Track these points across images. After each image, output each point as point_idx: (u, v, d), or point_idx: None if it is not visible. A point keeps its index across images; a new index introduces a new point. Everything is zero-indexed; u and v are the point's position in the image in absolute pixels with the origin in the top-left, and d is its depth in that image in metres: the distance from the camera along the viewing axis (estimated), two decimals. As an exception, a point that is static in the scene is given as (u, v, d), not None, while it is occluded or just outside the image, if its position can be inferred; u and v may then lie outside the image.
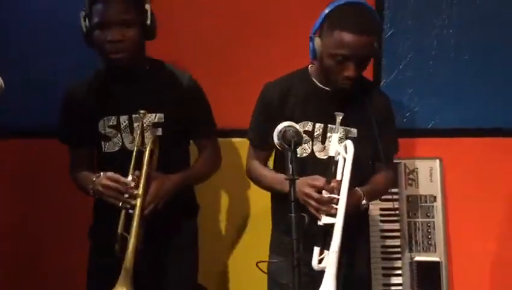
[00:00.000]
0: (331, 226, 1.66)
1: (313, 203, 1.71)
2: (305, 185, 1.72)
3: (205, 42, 2.34)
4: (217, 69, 2.34)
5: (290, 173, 1.51)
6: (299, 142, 1.56)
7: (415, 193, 2.36)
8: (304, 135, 1.79)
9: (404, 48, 2.38)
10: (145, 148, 1.76)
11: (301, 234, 1.48)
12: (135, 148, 1.77)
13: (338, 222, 1.65)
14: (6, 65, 2.25)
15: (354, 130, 1.86)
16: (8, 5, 2.32)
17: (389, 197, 2.30)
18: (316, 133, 1.86)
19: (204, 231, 2.16)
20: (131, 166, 1.74)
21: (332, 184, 1.69)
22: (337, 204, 1.67)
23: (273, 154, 1.96)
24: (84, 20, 1.75)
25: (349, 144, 1.72)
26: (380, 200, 2.27)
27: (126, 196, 1.70)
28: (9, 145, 2.38)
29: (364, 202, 1.79)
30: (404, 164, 2.37)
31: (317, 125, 1.86)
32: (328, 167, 1.75)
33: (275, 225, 1.98)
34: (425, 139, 2.42)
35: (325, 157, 1.84)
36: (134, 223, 1.68)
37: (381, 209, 2.33)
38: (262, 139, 1.87)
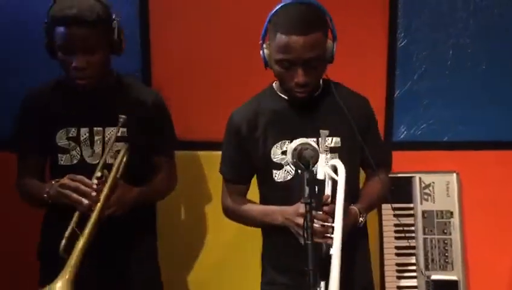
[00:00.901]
0: (327, 255, 1.52)
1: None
2: (298, 214, 1.56)
3: (197, 57, 2.29)
4: (208, 83, 2.30)
5: (307, 195, 1.34)
6: (316, 161, 1.43)
7: (431, 208, 2.29)
8: (283, 156, 1.68)
9: (418, 57, 2.31)
10: (119, 153, 1.75)
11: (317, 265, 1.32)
12: (103, 157, 1.74)
13: (335, 253, 1.48)
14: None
15: (337, 139, 1.70)
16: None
17: (404, 212, 2.26)
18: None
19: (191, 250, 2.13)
20: (98, 169, 1.71)
21: (325, 210, 1.54)
22: (332, 233, 1.51)
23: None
24: (47, 34, 1.70)
25: (339, 164, 1.56)
26: (394, 216, 2.21)
27: (85, 201, 1.64)
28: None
29: (361, 219, 1.65)
30: (420, 178, 2.30)
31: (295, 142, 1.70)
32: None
33: (267, 261, 1.81)
34: (441, 152, 2.35)
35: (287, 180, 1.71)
36: (90, 224, 1.63)
37: (396, 225, 2.26)
38: (237, 172, 1.76)
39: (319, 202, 1.54)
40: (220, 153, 2.21)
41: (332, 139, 1.70)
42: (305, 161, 1.39)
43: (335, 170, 1.57)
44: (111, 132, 1.79)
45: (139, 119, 1.82)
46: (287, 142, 1.68)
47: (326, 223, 1.52)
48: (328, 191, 1.57)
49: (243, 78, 2.28)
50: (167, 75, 2.28)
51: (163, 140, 1.92)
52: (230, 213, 1.83)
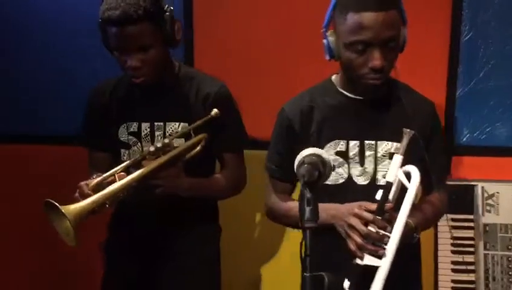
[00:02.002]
0: (371, 267, 1.40)
1: (357, 238, 1.42)
2: (351, 214, 1.45)
3: (240, 50, 2.22)
4: (251, 78, 2.23)
5: (306, 218, 1.18)
6: (319, 177, 1.26)
7: (494, 221, 2.11)
8: (336, 157, 1.57)
9: (485, 53, 2.13)
10: (198, 137, 1.70)
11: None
12: (187, 128, 1.71)
13: (384, 266, 1.37)
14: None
15: (398, 145, 1.51)
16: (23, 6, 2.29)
17: (463, 225, 2.10)
18: (351, 154, 1.57)
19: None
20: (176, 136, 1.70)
21: (386, 218, 1.41)
22: (387, 243, 1.39)
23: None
24: (101, 33, 1.66)
25: (415, 171, 1.41)
26: (451, 228, 2.07)
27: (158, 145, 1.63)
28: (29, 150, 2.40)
29: (416, 235, 1.51)
30: (482, 187, 2.12)
31: (352, 143, 1.57)
32: (369, 195, 1.46)
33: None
34: (508, 159, 2.19)
35: (366, 182, 1.57)
36: (136, 173, 1.59)
37: (453, 238, 2.10)
38: (285, 170, 1.60)
39: (381, 208, 1.42)
40: (263, 151, 2.20)
41: (392, 144, 1.55)
42: (299, 175, 1.24)
43: (408, 175, 1.42)
44: (172, 126, 1.75)
45: (203, 112, 1.74)
46: (341, 143, 1.57)
47: (382, 231, 1.40)
48: (392, 196, 1.43)
49: (288, 74, 2.20)
50: (209, 69, 2.19)
51: (227, 135, 1.80)
52: (272, 212, 1.72)
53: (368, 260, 1.40)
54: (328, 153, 1.55)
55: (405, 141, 1.43)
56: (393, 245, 1.38)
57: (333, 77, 1.64)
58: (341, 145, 1.57)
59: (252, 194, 2.21)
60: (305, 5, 2.16)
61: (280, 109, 1.65)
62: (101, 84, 1.84)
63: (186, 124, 1.73)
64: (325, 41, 1.51)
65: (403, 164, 1.44)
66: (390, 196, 1.43)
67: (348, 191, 1.55)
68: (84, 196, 1.54)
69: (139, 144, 1.76)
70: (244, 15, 2.19)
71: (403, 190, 1.43)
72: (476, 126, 2.19)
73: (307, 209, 1.18)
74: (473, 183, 2.12)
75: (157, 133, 1.75)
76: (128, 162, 1.65)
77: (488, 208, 2.10)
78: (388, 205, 1.42)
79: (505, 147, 2.18)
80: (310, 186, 1.20)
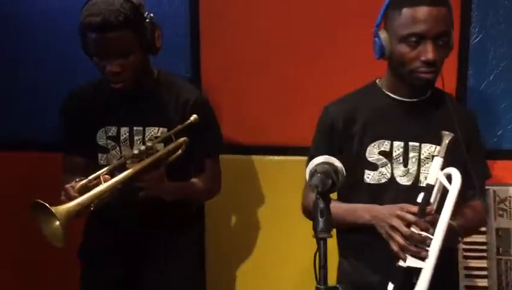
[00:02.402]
0: (414, 269, 1.41)
1: (400, 239, 1.45)
2: (394, 215, 1.47)
3: (247, 57, 2.20)
4: (258, 84, 2.21)
5: (320, 229, 1.16)
6: (333, 186, 1.24)
7: (507, 225, 2.06)
8: (380, 156, 1.60)
9: (495, 55, 2.10)
10: (179, 141, 1.71)
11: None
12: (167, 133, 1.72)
13: (427, 268, 1.39)
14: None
15: (439, 149, 1.56)
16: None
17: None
18: (395, 154, 1.60)
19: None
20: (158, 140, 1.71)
21: (428, 219, 1.43)
22: (429, 245, 1.40)
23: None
24: (81, 38, 1.67)
25: (456, 173, 1.43)
26: None
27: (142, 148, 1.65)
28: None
29: (459, 239, 1.55)
30: (494, 191, 2.07)
31: (396, 144, 1.60)
32: (411, 196, 1.49)
33: (342, 253, 1.75)
34: None
35: (409, 183, 1.59)
36: (120, 176, 1.60)
37: (465, 243, 2.04)
38: None
39: (423, 210, 1.45)
40: (271, 157, 2.21)
41: (435, 147, 1.57)
42: (312, 186, 1.21)
43: (449, 178, 1.45)
44: (151, 131, 1.76)
45: (181, 118, 1.77)
46: (385, 142, 1.61)
47: (425, 233, 1.42)
48: (434, 198, 1.47)
49: (297, 81, 2.19)
50: (217, 77, 2.22)
51: (207, 141, 1.84)
52: (309, 211, 1.71)
53: (411, 261, 1.42)
54: (371, 152, 1.59)
55: (444, 142, 1.47)
56: (436, 247, 1.39)
57: (377, 80, 1.67)
58: (385, 145, 1.60)
59: (251, 197, 2.21)
60: (313, 14, 2.14)
61: (323, 109, 1.69)
62: (77, 88, 1.85)
63: (165, 129, 1.75)
64: (376, 39, 1.56)
65: (445, 167, 1.47)
66: (432, 199, 1.45)
67: (390, 191, 1.58)
68: (71, 198, 1.54)
69: (117, 148, 1.77)
70: (251, 23, 2.18)
71: (444, 193, 1.45)
72: (487, 129, 2.11)
73: (321, 220, 1.17)
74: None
75: (136, 137, 1.76)
76: (113, 164, 1.66)
77: (500, 212, 2.06)
78: (429, 208, 1.44)
79: (516, 150, 2.14)
80: (323, 196, 1.18)
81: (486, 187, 2.05)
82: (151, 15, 1.68)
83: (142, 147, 1.63)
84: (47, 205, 1.47)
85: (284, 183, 2.20)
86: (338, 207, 1.62)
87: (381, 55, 1.57)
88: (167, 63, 1.85)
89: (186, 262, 1.89)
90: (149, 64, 1.77)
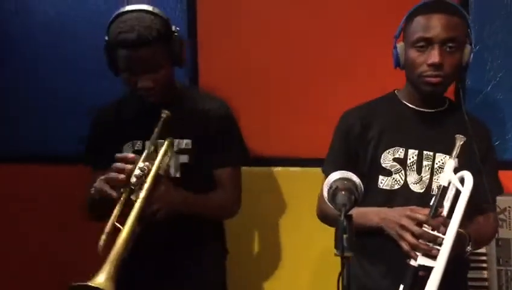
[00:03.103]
0: (425, 269, 1.43)
1: (410, 238, 1.47)
2: (403, 215, 1.50)
3: (245, 68, 2.21)
4: (256, 95, 2.22)
5: (341, 248, 1.14)
6: (355, 203, 1.24)
7: (507, 236, 2.06)
8: (394, 163, 1.63)
9: (492, 66, 2.11)
10: (160, 147, 1.66)
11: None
12: (149, 145, 1.65)
13: (438, 266, 1.40)
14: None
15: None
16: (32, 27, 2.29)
17: None
18: (409, 161, 1.63)
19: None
20: (141, 160, 1.60)
21: (438, 220, 1.46)
22: (440, 244, 1.42)
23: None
24: (107, 53, 1.67)
25: (468, 176, 1.45)
26: None
27: (122, 176, 1.55)
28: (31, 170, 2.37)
29: (469, 248, 1.54)
30: (494, 202, 2.06)
31: (410, 151, 1.64)
32: (423, 203, 1.52)
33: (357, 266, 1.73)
34: None
35: (422, 190, 1.62)
36: (131, 217, 1.51)
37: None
38: None
39: (434, 211, 1.48)
40: (272, 169, 2.21)
41: (449, 158, 1.56)
42: (337, 208, 1.20)
43: (462, 181, 1.47)
44: (176, 143, 1.75)
45: (204, 131, 1.77)
46: (400, 150, 1.64)
47: (436, 233, 1.44)
48: (446, 202, 1.49)
49: (296, 90, 2.19)
50: (214, 88, 2.18)
51: (224, 152, 1.81)
52: (323, 214, 1.75)
53: (422, 260, 1.43)
54: (385, 158, 1.63)
55: (458, 144, 1.49)
56: (447, 246, 1.40)
57: (396, 91, 1.73)
58: (400, 153, 1.63)
59: (260, 213, 2.21)
60: (310, 25, 2.15)
61: (341, 115, 1.74)
62: (105, 105, 1.86)
63: (190, 141, 1.74)
64: (394, 50, 1.63)
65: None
66: (444, 202, 1.46)
67: (403, 197, 1.60)
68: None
69: None
70: (251, 32, 2.19)
71: (455, 199, 1.46)
72: (485, 140, 2.15)
73: (344, 237, 1.15)
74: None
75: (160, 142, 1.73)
76: (119, 205, 1.56)
77: (500, 222, 2.05)
78: (440, 209, 1.46)
79: (515, 160, 2.13)
80: (346, 214, 1.17)
81: (486, 198, 2.09)
82: (178, 28, 1.70)
83: (137, 172, 1.57)
84: (89, 283, 1.38)
85: (292, 195, 2.21)
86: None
87: (397, 64, 1.63)
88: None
89: (209, 284, 1.84)
90: (174, 77, 1.78)
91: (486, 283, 2.03)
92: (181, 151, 1.75)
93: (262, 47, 2.19)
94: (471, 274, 2.01)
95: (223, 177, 1.81)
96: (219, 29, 2.19)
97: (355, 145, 1.67)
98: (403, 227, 1.50)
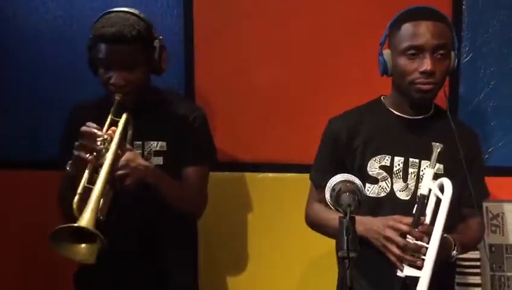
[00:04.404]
0: (412, 279, 1.43)
1: (395, 250, 1.47)
2: (387, 226, 1.50)
3: (241, 74, 2.21)
4: (252, 101, 2.22)
5: (345, 248, 1.15)
6: (359, 205, 1.25)
7: (500, 241, 2.09)
8: (380, 170, 1.62)
9: (485, 74, 2.13)
10: (121, 116, 1.66)
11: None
12: (109, 118, 1.65)
13: (424, 276, 1.40)
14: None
15: (440, 166, 1.60)
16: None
17: None
18: (395, 169, 1.63)
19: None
20: (104, 129, 1.62)
21: (421, 229, 1.46)
22: (425, 254, 1.43)
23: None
24: (89, 50, 1.71)
25: (447, 183, 1.45)
26: None
27: (98, 144, 1.58)
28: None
29: (454, 253, 1.54)
30: (487, 208, 2.10)
31: (396, 159, 1.63)
32: (409, 210, 1.51)
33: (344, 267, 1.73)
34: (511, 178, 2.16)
35: (408, 198, 1.62)
36: (102, 174, 1.54)
37: (459, 259, 2.02)
38: (328, 179, 1.64)
39: (417, 220, 1.48)
40: (265, 175, 2.21)
41: (435, 165, 1.57)
42: (342, 208, 1.22)
43: (441, 188, 1.46)
44: (151, 145, 1.77)
45: (179, 134, 1.79)
46: (387, 157, 1.63)
47: (420, 242, 1.45)
48: (428, 210, 1.49)
49: (291, 97, 2.19)
50: (211, 93, 2.22)
51: (193, 151, 1.83)
52: (312, 221, 1.76)
53: (408, 271, 1.44)
54: (372, 166, 1.63)
55: (434, 153, 1.50)
56: (432, 255, 1.41)
57: (382, 97, 1.72)
58: (386, 160, 1.63)
59: (252, 220, 2.19)
60: (306, 30, 2.16)
61: (328, 122, 1.73)
62: (81, 103, 1.87)
63: (164, 143, 1.77)
64: (380, 57, 1.62)
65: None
66: (427, 210, 1.47)
67: (389, 204, 1.60)
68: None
69: None
70: (246, 39, 2.19)
71: (437, 206, 1.47)
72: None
73: (347, 238, 1.16)
74: (476, 204, 2.11)
75: (136, 151, 1.73)
76: (89, 169, 1.58)
77: (493, 228, 2.09)
78: (422, 218, 1.47)
79: (508, 167, 2.15)
80: (350, 215, 1.18)
81: (479, 204, 2.11)
82: (161, 37, 1.72)
83: (103, 137, 1.59)
84: (75, 224, 1.42)
85: (279, 200, 2.20)
86: (333, 219, 1.61)
87: (384, 71, 1.62)
88: (161, 80, 1.84)
89: (181, 283, 1.86)
90: (150, 82, 1.80)
91: (479, 289, 2.04)
92: (155, 154, 1.77)
93: (258, 51, 2.19)
94: (464, 280, 2.05)
95: (188, 175, 1.81)
96: (215, 32, 2.19)
97: (343, 152, 1.67)
98: (387, 239, 1.50)
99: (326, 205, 1.67)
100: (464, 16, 2.10)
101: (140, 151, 1.77)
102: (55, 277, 2.21)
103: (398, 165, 1.63)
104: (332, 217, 1.63)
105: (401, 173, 1.62)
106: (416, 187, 1.61)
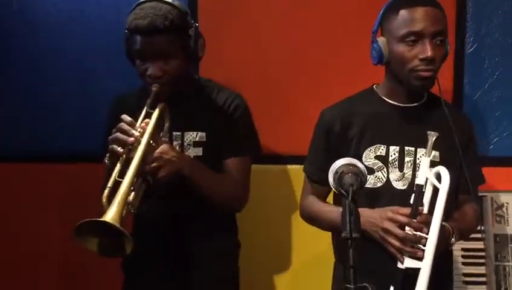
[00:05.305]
0: (413, 270, 1.42)
1: (395, 242, 1.46)
2: (385, 218, 1.49)
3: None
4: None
5: (348, 229, 1.16)
6: (361, 187, 1.27)
7: (505, 231, 2.08)
8: (376, 161, 1.60)
9: (490, 64, 2.13)
10: (159, 108, 1.64)
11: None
12: (144, 109, 1.63)
13: (425, 267, 1.40)
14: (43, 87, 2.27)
15: (436, 153, 1.59)
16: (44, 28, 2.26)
17: (473, 235, 1.96)
18: (391, 158, 1.61)
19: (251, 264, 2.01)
20: (139, 122, 1.61)
21: (420, 219, 1.44)
22: (425, 245, 1.42)
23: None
24: (126, 42, 1.69)
25: (444, 171, 1.44)
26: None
27: (131, 139, 1.55)
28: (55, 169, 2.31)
29: (453, 240, 1.53)
30: (491, 198, 2.09)
31: (392, 148, 1.61)
32: (406, 200, 1.50)
33: (339, 258, 1.74)
34: None
35: (404, 187, 1.59)
36: (132, 168, 1.50)
37: (464, 249, 2.06)
38: (323, 172, 1.59)
39: (415, 211, 1.46)
40: (272, 166, 2.21)
41: (431, 153, 1.56)
42: (344, 188, 1.22)
43: (438, 177, 1.45)
44: (190, 136, 1.76)
45: (219, 124, 1.77)
46: (382, 147, 1.61)
47: (419, 233, 1.43)
48: (426, 199, 1.47)
49: (296, 88, 2.19)
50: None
51: (234, 142, 1.79)
52: (305, 214, 1.75)
53: (409, 263, 1.43)
54: (367, 156, 1.62)
55: (430, 142, 1.49)
56: (432, 246, 1.40)
57: (374, 86, 1.69)
58: (381, 150, 1.61)
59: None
60: (311, 23, 2.15)
61: (320, 113, 1.70)
62: (122, 96, 1.86)
63: (204, 134, 1.75)
64: (374, 45, 1.58)
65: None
66: (424, 199, 1.46)
67: (386, 195, 1.58)
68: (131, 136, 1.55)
69: None
70: (249, 34, 2.19)
71: (434, 194, 1.46)
72: (482, 137, 2.15)
73: (351, 219, 1.16)
74: (481, 194, 2.07)
75: (175, 142, 1.74)
76: (119, 165, 1.55)
77: (497, 218, 2.08)
78: (420, 208, 1.46)
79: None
80: (353, 196, 1.19)
81: (484, 194, 2.08)
82: (196, 24, 1.70)
83: (136, 132, 1.57)
84: (99, 219, 1.39)
85: (280, 191, 2.20)
86: (330, 211, 1.65)
87: (379, 59, 1.58)
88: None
89: (219, 277, 1.82)
90: (189, 72, 1.78)
91: (484, 279, 2.04)
92: (195, 144, 1.75)
93: (263, 45, 2.19)
94: (470, 270, 2.05)
95: (231, 167, 1.78)
96: (219, 27, 2.18)
97: (337, 143, 1.64)
98: (385, 231, 1.48)
99: (321, 197, 1.70)
100: (468, 6, 2.10)
101: (180, 142, 1.75)
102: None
103: (394, 154, 1.60)
104: (328, 209, 1.67)
105: (396, 163, 1.60)
106: (413, 176, 1.58)
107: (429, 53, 1.49)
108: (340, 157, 1.56)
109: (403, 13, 1.52)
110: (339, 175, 1.27)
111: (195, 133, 1.75)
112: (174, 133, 1.74)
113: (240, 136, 1.79)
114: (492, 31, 2.11)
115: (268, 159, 2.14)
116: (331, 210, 1.65)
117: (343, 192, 1.22)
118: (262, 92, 2.18)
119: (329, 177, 1.31)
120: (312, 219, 1.74)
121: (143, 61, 1.65)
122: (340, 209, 1.56)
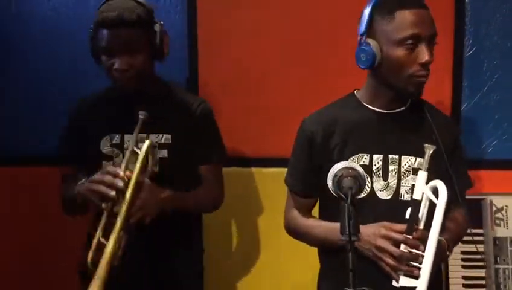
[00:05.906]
0: (409, 289, 1.37)
1: (390, 261, 1.40)
2: (378, 235, 1.42)
3: (244, 69, 2.21)
4: (255, 96, 2.22)
5: (347, 232, 1.14)
6: (360, 190, 1.24)
7: (504, 234, 2.07)
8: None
9: (489, 67, 2.13)
10: (140, 149, 1.65)
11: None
12: (130, 148, 1.65)
13: (421, 285, 1.34)
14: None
15: (421, 160, 1.49)
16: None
17: (472, 238, 1.97)
18: (374, 167, 1.53)
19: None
20: (123, 167, 1.61)
21: (416, 236, 1.38)
22: (421, 263, 1.36)
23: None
24: (91, 41, 1.71)
25: (441, 186, 1.37)
26: (461, 242, 1.96)
27: (112, 193, 1.56)
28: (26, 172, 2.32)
29: (448, 253, 1.48)
30: (491, 201, 2.09)
31: (375, 157, 1.53)
32: (391, 210, 1.47)
33: (324, 283, 1.68)
34: None
35: (389, 197, 1.52)
36: (116, 228, 1.52)
37: (463, 252, 2.06)
38: (306, 184, 1.60)
39: (410, 226, 1.39)
40: (270, 169, 2.21)
41: (415, 159, 1.52)
42: (343, 191, 1.21)
43: (435, 191, 1.39)
44: (155, 138, 1.75)
45: (185, 127, 1.78)
46: (365, 156, 1.53)
47: (415, 251, 1.38)
48: (421, 214, 1.41)
49: (294, 91, 2.19)
50: (214, 85, 2.21)
51: (207, 149, 1.83)
52: (291, 229, 1.68)
53: (404, 281, 1.38)
54: None
55: (427, 156, 1.42)
56: (429, 263, 1.35)
57: (355, 92, 1.62)
58: (364, 159, 1.53)
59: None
60: (309, 26, 2.16)
61: (301, 122, 1.62)
62: (80, 101, 1.86)
63: (169, 136, 1.75)
64: (366, 48, 1.46)
65: (428, 177, 1.42)
66: (420, 214, 1.40)
67: (370, 205, 1.50)
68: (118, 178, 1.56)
69: (121, 155, 1.76)
70: (249, 35, 2.19)
71: (430, 207, 1.41)
72: (482, 140, 2.16)
73: (350, 222, 1.15)
74: (481, 197, 2.08)
75: (139, 144, 1.71)
76: (102, 222, 1.57)
77: (497, 221, 2.07)
78: (416, 227, 1.40)
79: (511, 160, 2.15)
80: (352, 200, 1.18)
81: (483, 197, 2.08)
82: (161, 22, 1.71)
83: (119, 184, 1.56)
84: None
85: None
86: (318, 226, 1.59)
87: (371, 64, 1.46)
88: (165, 75, 1.84)
89: (187, 276, 1.85)
90: (154, 70, 1.79)
91: (484, 282, 2.04)
92: (160, 146, 1.75)
93: (262, 48, 2.19)
94: (470, 273, 2.04)
95: (207, 173, 1.83)
96: (219, 29, 2.19)
97: (319, 153, 1.56)
98: (380, 249, 1.42)
99: (305, 210, 1.63)
100: (466, 9, 2.10)
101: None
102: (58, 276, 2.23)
103: (377, 163, 1.53)
104: (314, 224, 1.60)
105: (380, 171, 1.53)
106: (399, 185, 1.52)
107: (428, 57, 1.43)
108: (321, 167, 1.53)
109: (401, 15, 1.42)
110: (338, 178, 1.25)
111: (160, 135, 1.76)
112: (139, 134, 1.72)
113: (209, 142, 1.84)
114: (491, 34, 2.11)
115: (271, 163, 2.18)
116: (319, 225, 1.59)
117: (342, 195, 1.20)
118: (262, 93, 2.19)
119: (328, 181, 1.28)
120: (297, 234, 1.67)
121: (109, 56, 1.66)
122: (328, 223, 1.55)
